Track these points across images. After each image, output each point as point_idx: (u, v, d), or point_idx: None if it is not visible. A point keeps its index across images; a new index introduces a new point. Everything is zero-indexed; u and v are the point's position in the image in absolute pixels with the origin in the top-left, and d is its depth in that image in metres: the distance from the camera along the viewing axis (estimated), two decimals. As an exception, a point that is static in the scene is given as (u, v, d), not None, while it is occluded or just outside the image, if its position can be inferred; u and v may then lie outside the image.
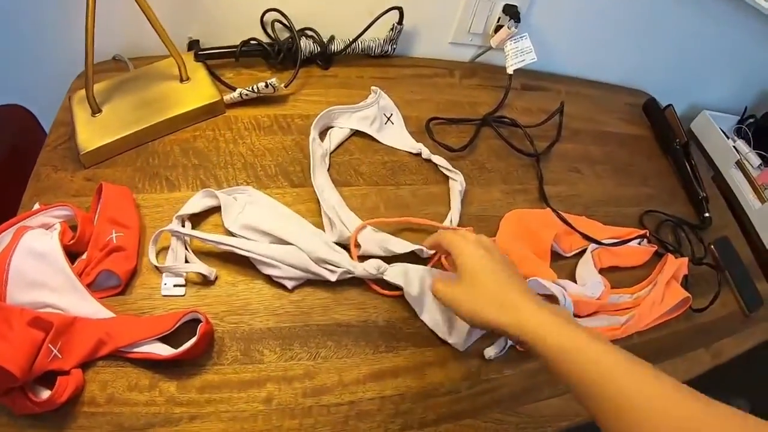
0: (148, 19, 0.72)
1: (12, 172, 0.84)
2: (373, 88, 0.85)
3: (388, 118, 0.84)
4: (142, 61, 0.86)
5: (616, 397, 0.42)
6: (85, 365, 0.57)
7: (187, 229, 0.66)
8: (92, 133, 0.74)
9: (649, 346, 0.73)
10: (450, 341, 0.64)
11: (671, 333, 0.76)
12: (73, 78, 0.84)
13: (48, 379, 0.54)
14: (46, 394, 0.54)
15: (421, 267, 0.67)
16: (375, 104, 0.83)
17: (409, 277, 0.65)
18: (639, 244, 0.82)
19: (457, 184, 0.78)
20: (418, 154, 0.81)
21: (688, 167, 0.93)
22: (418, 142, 0.82)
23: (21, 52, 0.88)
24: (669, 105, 0.99)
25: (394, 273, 0.65)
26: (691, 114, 1.06)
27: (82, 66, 0.82)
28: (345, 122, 0.81)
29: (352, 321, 0.64)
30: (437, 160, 0.81)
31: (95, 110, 0.76)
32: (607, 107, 1.01)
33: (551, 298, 0.66)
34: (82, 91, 0.78)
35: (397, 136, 0.83)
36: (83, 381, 0.56)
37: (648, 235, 0.82)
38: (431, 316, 0.66)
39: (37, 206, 0.67)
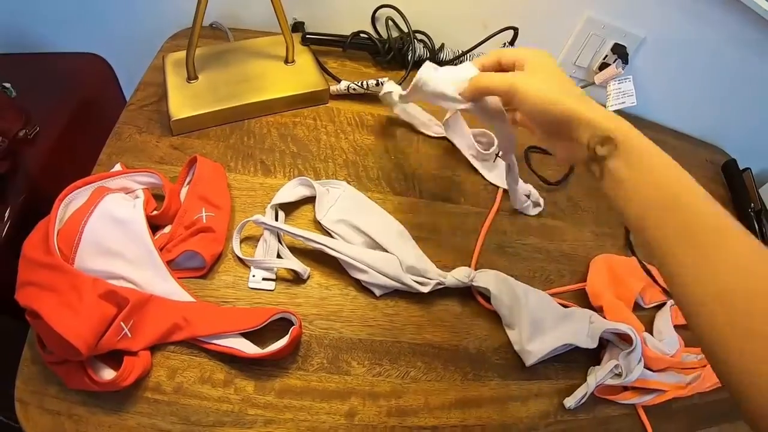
0: (269, -5, 0.69)
1: (83, 122, 0.83)
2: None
3: (497, 155, 0.79)
4: (238, 33, 0.84)
5: (693, 219, 0.38)
6: (155, 348, 0.54)
7: (274, 220, 0.63)
8: (185, 100, 0.71)
9: (706, 408, 0.73)
10: (527, 348, 0.62)
11: (726, 398, 0.76)
12: (156, 36, 0.81)
13: (111, 354, 0.51)
14: (106, 372, 0.51)
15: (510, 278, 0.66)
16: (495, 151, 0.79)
17: (500, 284, 0.64)
18: (710, 305, 0.81)
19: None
20: (528, 196, 0.77)
21: (758, 234, 0.92)
22: (526, 183, 0.78)
23: (107, 1, 0.86)
24: (747, 168, 0.99)
25: (484, 279, 0.64)
26: (764, 178, 1.06)
27: (168, 25, 0.81)
28: (459, 141, 0.78)
29: (444, 344, 0.62)
30: (532, 211, 0.78)
31: (192, 77, 0.73)
32: (688, 161, 0.96)
33: (625, 338, 0.65)
34: (177, 54, 0.75)
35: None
36: (150, 365, 0.54)
37: (718, 298, 0.82)
38: (517, 322, 0.64)
39: (118, 167, 0.64)
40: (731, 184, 1.00)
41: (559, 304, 0.67)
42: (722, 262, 0.37)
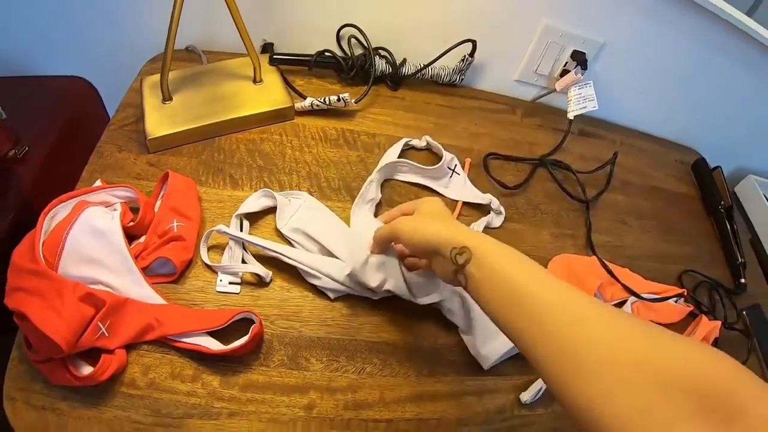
0: (233, 18, 0.73)
1: (69, 142, 0.87)
2: (445, 154, 0.83)
3: (453, 170, 0.83)
4: (212, 56, 0.89)
5: (536, 310, 0.43)
6: (130, 347, 0.58)
7: (237, 230, 0.67)
8: (161, 120, 0.76)
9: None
10: (482, 352, 0.65)
11: None
12: (138, 59, 0.86)
13: (90, 353, 0.55)
14: (86, 368, 0.55)
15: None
16: (443, 166, 0.82)
17: (448, 295, 0.66)
18: (676, 302, 0.83)
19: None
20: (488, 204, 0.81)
21: (729, 231, 0.94)
22: (485, 192, 0.82)
23: (91, 26, 0.91)
24: (717, 167, 1.01)
25: None
26: (737, 176, 1.08)
27: (149, 48, 0.86)
28: (411, 177, 0.81)
29: (400, 342, 0.65)
30: (496, 220, 0.81)
31: (167, 98, 0.78)
32: (657, 162, 1.02)
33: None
34: (154, 77, 0.80)
35: (463, 188, 0.83)
36: (126, 362, 0.57)
37: (686, 294, 0.83)
38: (470, 328, 0.66)
39: (98, 183, 0.68)
40: (701, 183, 1.01)
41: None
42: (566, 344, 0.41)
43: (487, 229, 0.80)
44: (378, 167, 0.77)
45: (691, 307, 0.82)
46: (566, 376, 0.39)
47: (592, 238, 0.83)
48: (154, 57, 0.87)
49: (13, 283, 0.55)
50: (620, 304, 0.78)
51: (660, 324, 0.78)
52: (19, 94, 0.88)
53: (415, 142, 0.85)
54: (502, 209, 0.81)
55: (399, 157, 0.81)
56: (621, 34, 0.91)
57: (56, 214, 0.61)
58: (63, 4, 0.87)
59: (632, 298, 0.79)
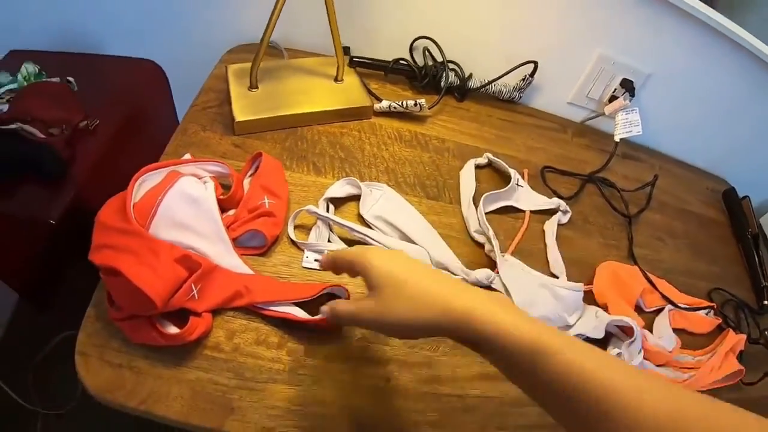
0: (330, 21, 0.80)
1: (136, 119, 0.91)
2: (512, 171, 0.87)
3: (516, 183, 0.87)
4: (291, 53, 0.95)
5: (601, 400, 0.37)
6: (215, 312, 0.60)
7: (325, 211, 0.72)
8: (247, 106, 0.81)
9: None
10: None
11: (721, 399, 0.82)
12: (207, 49, 0.92)
13: (173, 315, 0.56)
14: (172, 328, 0.56)
15: (534, 274, 0.74)
16: (514, 184, 0.86)
17: (519, 285, 0.72)
18: (706, 314, 0.89)
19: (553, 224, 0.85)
20: (557, 209, 0.88)
21: (755, 256, 1.00)
22: (551, 197, 0.90)
23: (167, 15, 0.97)
24: (746, 196, 1.08)
25: (500, 284, 0.72)
26: (764, 208, 1.15)
27: (219, 41, 0.92)
28: (489, 207, 0.84)
29: (469, 326, 0.70)
30: (564, 218, 0.89)
31: (253, 86, 0.83)
32: (691, 188, 1.10)
33: (627, 331, 0.72)
34: (238, 65, 0.86)
35: (530, 198, 0.88)
36: (211, 326, 0.59)
37: (715, 308, 0.90)
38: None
39: (188, 156, 0.72)
40: (731, 211, 1.09)
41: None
42: None
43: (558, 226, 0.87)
44: (465, 198, 0.83)
45: (720, 320, 0.89)
46: None
47: (633, 251, 0.90)
48: (233, 48, 0.93)
49: (99, 241, 0.56)
50: (658, 311, 0.85)
51: (692, 333, 0.86)
52: (91, 71, 0.91)
53: (479, 161, 0.90)
54: (568, 208, 0.88)
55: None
56: (667, 67, 0.98)
57: (144, 181, 0.63)
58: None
59: (669, 306, 0.85)
